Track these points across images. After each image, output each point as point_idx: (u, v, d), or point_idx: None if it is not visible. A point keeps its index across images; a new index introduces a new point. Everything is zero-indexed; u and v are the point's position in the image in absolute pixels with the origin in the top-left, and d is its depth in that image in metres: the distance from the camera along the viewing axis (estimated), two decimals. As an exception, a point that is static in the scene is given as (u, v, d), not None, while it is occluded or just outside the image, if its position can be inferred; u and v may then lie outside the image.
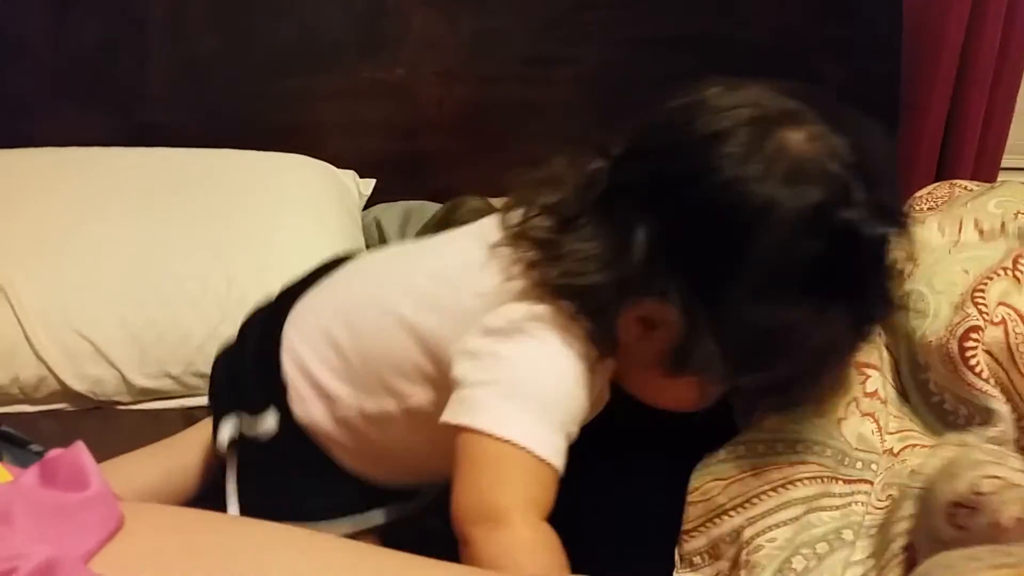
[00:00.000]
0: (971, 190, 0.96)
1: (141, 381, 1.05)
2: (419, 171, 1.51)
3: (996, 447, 0.61)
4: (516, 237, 0.65)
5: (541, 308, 0.62)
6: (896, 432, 0.67)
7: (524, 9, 1.48)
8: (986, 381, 0.64)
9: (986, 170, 1.59)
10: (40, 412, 1.04)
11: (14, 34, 1.38)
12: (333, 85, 1.47)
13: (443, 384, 0.65)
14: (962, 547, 0.52)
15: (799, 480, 0.63)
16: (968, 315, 0.67)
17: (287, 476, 0.74)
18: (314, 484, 0.73)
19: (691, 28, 1.49)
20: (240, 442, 0.73)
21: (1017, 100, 1.57)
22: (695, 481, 0.67)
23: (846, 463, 0.64)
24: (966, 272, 0.72)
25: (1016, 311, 0.66)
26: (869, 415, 0.66)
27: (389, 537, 0.74)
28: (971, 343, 0.65)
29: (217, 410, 0.76)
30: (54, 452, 0.48)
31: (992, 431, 0.63)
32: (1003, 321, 0.66)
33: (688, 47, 1.44)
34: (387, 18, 1.46)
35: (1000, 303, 0.67)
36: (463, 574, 0.55)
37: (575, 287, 0.61)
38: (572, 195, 0.64)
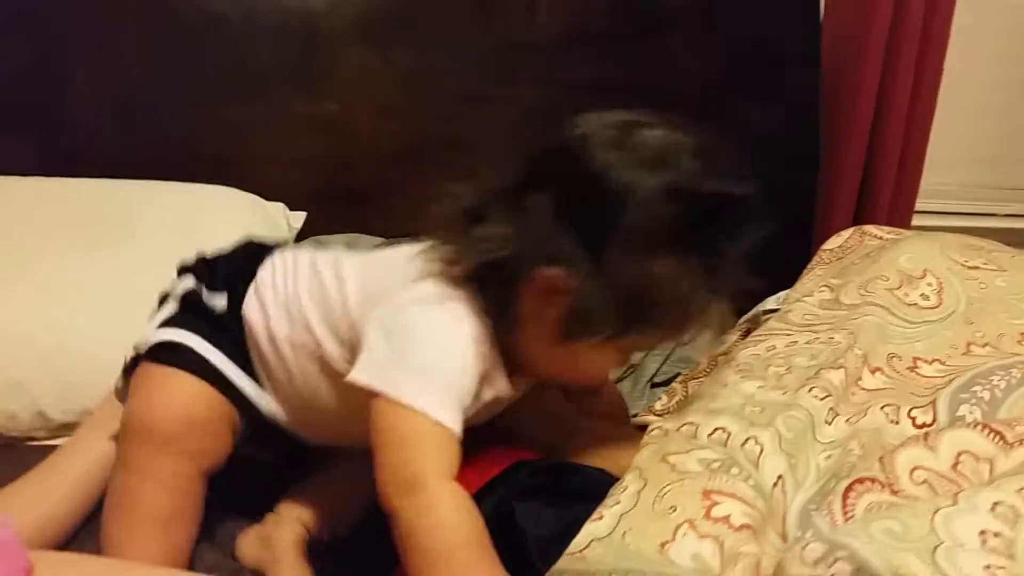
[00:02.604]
0: (881, 239, 1.00)
1: (59, 416, 1.02)
2: (352, 204, 1.51)
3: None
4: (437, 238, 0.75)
5: (451, 290, 0.72)
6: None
7: (457, 48, 1.50)
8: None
9: (901, 214, 1.66)
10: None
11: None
12: (264, 117, 1.46)
13: (352, 346, 0.74)
14: None
15: None
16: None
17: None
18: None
19: (623, 74, 1.53)
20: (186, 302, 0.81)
21: (928, 149, 1.65)
22: None
23: None
24: None
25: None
26: (710, 537, 0.62)
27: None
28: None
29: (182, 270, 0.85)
30: None
31: None
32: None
33: (619, 93, 1.46)
34: (319, 52, 1.47)
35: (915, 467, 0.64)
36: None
37: (485, 264, 0.70)
38: (479, 200, 0.74)
